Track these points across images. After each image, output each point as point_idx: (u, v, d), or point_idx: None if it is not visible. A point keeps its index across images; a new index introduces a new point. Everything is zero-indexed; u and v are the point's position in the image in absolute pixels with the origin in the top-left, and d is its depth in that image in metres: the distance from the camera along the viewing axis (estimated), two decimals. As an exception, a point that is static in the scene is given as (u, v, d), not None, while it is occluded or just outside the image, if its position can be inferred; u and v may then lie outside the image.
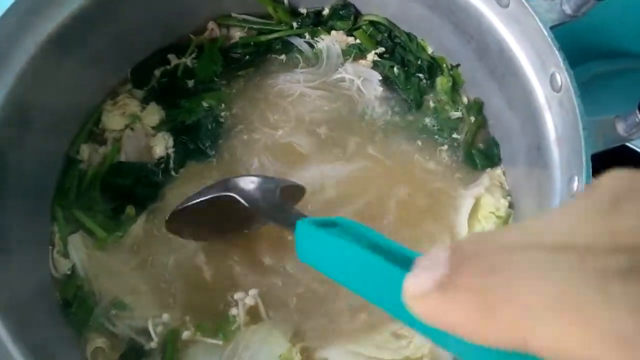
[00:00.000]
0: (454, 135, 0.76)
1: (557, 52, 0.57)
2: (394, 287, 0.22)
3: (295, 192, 0.64)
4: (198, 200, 0.61)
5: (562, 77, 0.57)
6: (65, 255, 0.68)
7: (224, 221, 0.64)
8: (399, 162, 0.75)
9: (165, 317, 0.65)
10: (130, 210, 0.70)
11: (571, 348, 0.17)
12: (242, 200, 0.57)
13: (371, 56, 0.80)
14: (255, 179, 0.60)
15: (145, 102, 0.77)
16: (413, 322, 0.21)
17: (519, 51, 0.63)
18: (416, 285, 0.20)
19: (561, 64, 0.57)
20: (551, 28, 0.59)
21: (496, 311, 0.19)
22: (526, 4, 0.59)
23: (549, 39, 0.58)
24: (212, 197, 0.60)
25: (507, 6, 0.62)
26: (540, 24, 0.58)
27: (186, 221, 0.63)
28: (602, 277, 0.17)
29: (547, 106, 0.60)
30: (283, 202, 0.56)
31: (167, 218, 0.63)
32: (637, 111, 0.53)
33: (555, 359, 0.18)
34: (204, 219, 0.63)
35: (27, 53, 0.61)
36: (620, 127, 0.56)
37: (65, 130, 0.72)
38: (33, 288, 0.64)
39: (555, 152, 0.59)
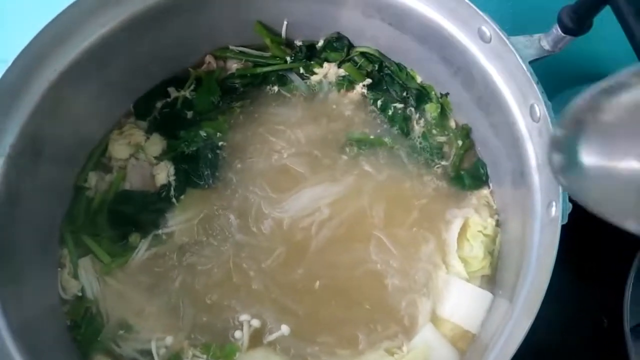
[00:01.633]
0: (442, 157, 0.80)
1: (535, 85, 0.61)
2: None
3: None
4: None
5: (541, 108, 0.61)
6: (76, 276, 0.71)
7: None
8: (389, 178, 0.78)
9: (169, 339, 0.68)
10: (135, 237, 0.73)
11: None
12: None
13: (359, 88, 0.84)
14: None
15: (148, 132, 0.80)
16: None
17: (501, 83, 0.67)
18: None
19: (539, 96, 0.61)
20: (530, 62, 0.63)
21: None
22: (506, 41, 0.63)
23: (528, 74, 0.62)
24: None
25: (489, 42, 0.66)
26: (519, 60, 0.62)
27: None
28: None
29: (528, 135, 0.64)
30: None
31: None
32: (557, 25, 0.61)
33: None
34: None
35: (40, 88, 0.64)
36: (546, 44, 0.64)
37: (75, 159, 0.75)
38: (42, 311, 0.66)
39: (536, 179, 0.63)
